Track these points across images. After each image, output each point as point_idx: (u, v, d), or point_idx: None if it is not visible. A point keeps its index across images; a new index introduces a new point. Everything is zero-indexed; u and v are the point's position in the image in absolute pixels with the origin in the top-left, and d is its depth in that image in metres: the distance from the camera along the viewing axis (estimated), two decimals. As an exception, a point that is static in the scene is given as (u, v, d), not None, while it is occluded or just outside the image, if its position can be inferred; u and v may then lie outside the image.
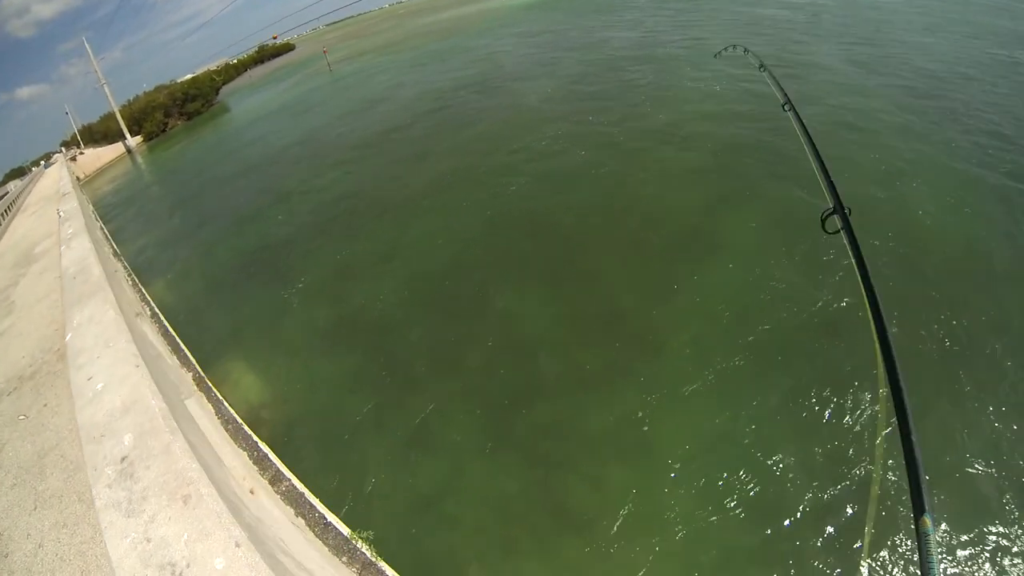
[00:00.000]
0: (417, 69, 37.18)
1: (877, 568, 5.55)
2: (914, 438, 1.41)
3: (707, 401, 7.75)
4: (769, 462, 6.83)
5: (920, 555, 1.06)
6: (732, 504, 6.47)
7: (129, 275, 17.82)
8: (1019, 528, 5.75)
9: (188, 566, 4.45)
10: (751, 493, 6.55)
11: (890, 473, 6.46)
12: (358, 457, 8.30)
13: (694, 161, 13.92)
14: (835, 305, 8.88)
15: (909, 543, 5.60)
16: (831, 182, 3.25)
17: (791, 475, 6.66)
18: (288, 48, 56.43)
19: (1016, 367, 7.50)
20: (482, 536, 6.77)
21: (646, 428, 7.59)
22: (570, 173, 14.81)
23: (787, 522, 6.19)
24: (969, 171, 11.82)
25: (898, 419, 1.50)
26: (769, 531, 6.14)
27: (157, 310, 14.33)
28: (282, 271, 14.71)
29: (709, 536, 6.20)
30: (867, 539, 5.85)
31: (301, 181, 21.90)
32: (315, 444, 8.90)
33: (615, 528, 6.43)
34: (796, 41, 23.36)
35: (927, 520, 1.15)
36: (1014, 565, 5.45)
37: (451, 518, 7.12)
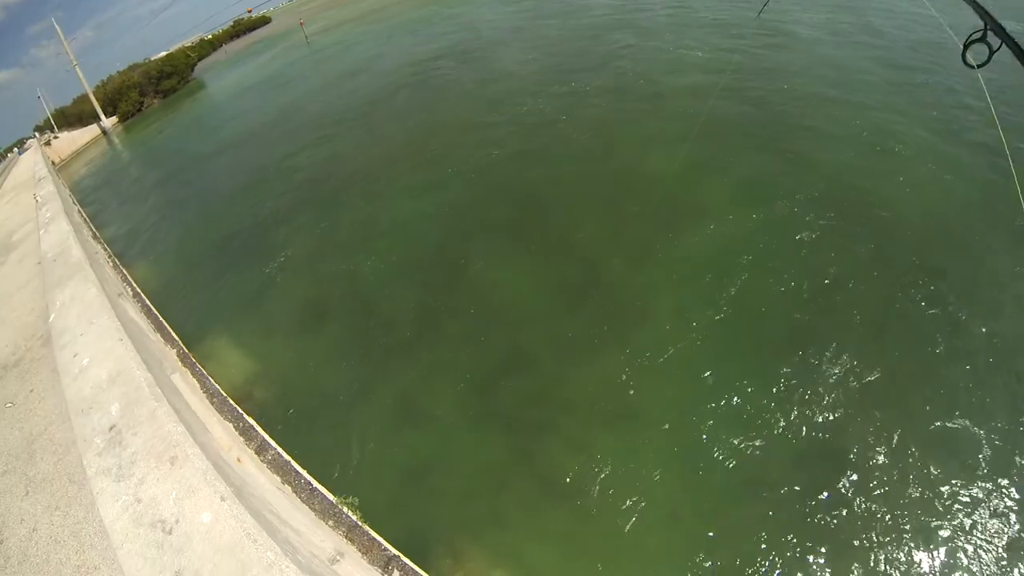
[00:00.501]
0: (396, 39, 36.68)
1: (863, 528, 5.83)
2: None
3: (689, 364, 7.97)
4: (751, 423, 7.07)
5: None
6: (716, 466, 6.69)
7: (110, 257, 17.80)
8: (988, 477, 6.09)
9: (177, 522, 4.71)
10: (735, 454, 6.80)
11: (873, 427, 6.75)
12: (343, 428, 8.46)
13: (674, 129, 14.02)
14: (812, 266, 9.14)
15: (901, 508, 5.85)
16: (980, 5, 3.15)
17: (774, 435, 6.91)
18: (264, 21, 55.24)
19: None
20: (468, 504, 6.92)
21: (630, 393, 7.78)
22: (550, 141, 14.86)
23: (770, 481, 6.44)
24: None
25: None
26: (752, 491, 6.36)
27: (139, 290, 14.40)
28: (264, 246, 14.80)
29: (693, 498, 6.40)
30: (853, 499, 6.10)
31: (281, 156, 21.77)
32: (300, 416, 9.07)
33: (599, 492, 6.62)
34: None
35: None
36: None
37: (437, 487, 7.28)
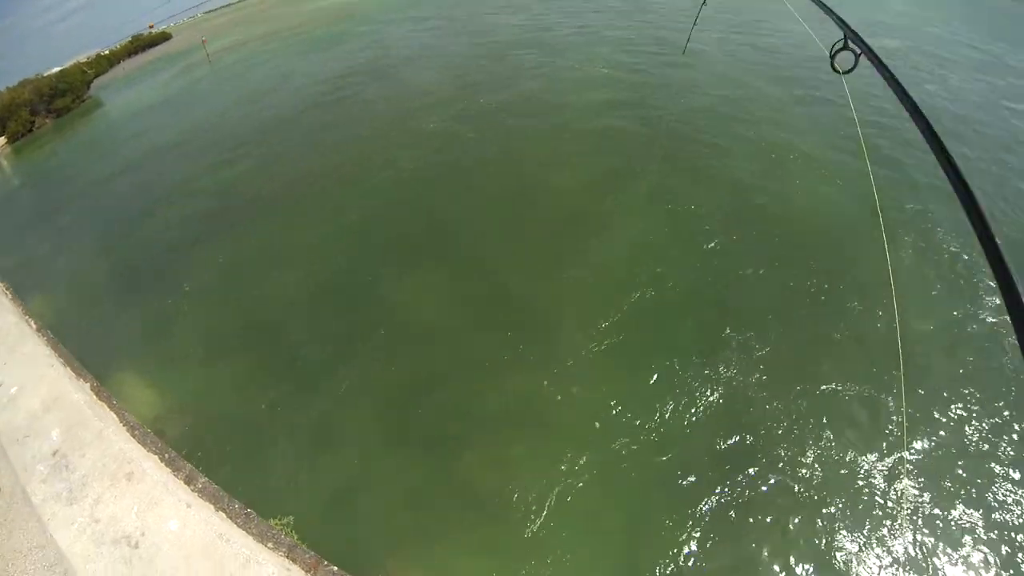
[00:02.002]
0: (305, 57, 36.05)
1: (773, 513, 6.45)
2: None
3: (598, 372, 8.38)
4: (660, 424, 7.60)
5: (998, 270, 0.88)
6: (629, 467, 7.10)
7: (7, 290, 16.56)
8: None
9: (143, 535, 4.73)
10: (646, 454, 7.26)
11: (777, 416, 7.48)
12: (263, 456, 8.23)
13: (579, 144, 14.78)
14: (714, 271, 10.01)
15: (823, 491, 6.51)
16: (839, 17, 3.42)
17: (684, 434, 7.48)
18: (165, 37, 52.52)
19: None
20: (394, 523, 6.94)
21: (542, 403, 8.05)
22: (458, 158, 15.11)
23: (689, 480, 6.96)
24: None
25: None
26: (666, 488, 6.82)
27: (40, 326, 13.55)
28: (167, 275, 14.10)
29: (610, 500, 6.73)
30: (759, 486, 6.73)
31: (183, 180, 20.84)
32: (217, 446, 8.82)
33: (519, 502, 6.83)
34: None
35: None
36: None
37: (362, 508, 7.24)
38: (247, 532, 4.93)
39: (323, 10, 52.64)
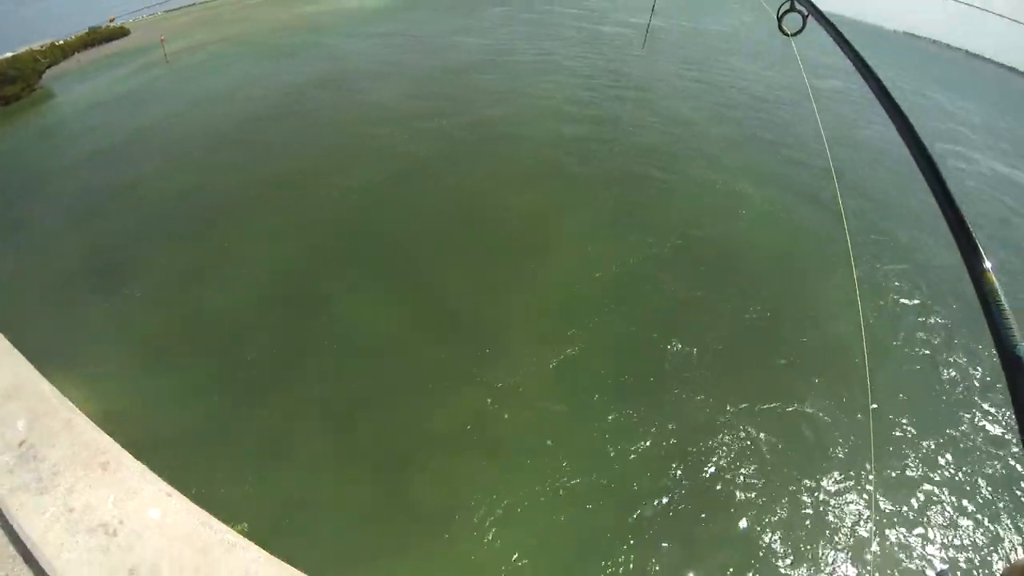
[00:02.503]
0: (263, 65, 35.81)
1: (725, 525, 6.79)
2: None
3: (546, 391, 8.72)
4: (608, 442, 7.93)
5: (992, 319, 0.78)
6: (577, 485, 7.37)
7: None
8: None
9: (121, 523, 4.68)
10: (594, 472, 7.54)
11: (723, 432, 7.90)
12: (204, 473, 8.20)
13: (533, 165, 15.31)
14: (661, 295, 10.52)
15: (785, 511, 6.87)
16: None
17: (632, 453, 7.82)
18: (123, 33, 51.03)
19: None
20: (342, 542, 7.02)
21: (490, 422, 8.30)
22: (413, 174, 15.36)
23: (634, 498, 7.25)
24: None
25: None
26: (618, 510, 7.10)
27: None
28: (113, 280, 13.87)
29: (557, 517, 6.98)
30: (708, 498, 7.08)
31: (133, 181, 20.38)
32: (160, 460, 8.67)
33: (467, 521, 6.99)
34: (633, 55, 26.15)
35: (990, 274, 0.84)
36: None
37: (309, 526, 7.30)
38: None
39: (285, 20, 52.50)
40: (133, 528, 4.58)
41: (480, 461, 7.75)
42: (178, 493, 4.82)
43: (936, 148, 22.67)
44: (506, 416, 8.41)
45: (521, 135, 17.58)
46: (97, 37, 46.85)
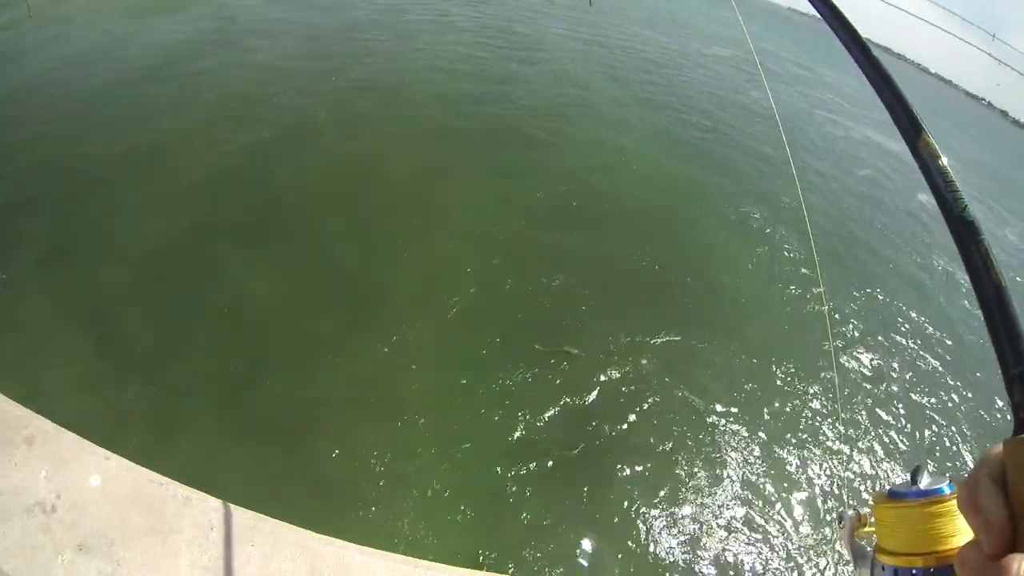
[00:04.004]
0: (144, 21, 32.34)
1: (630, 481, 7.18)
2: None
3: (439, 347, 8.75)
4: (509, 397, 8.00)
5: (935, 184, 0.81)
6: (483, 443, 7.40)
7: None
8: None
9: (58, 497, 4.38)
10: (500, 428, 7.59)
11: (619, 386, 8.32)
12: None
13: (421, 124, 15.15)
14: (552, 254, 10.90)
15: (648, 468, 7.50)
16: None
17: (534, 405, 8.00)
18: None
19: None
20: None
21: (386, 383, 8.11)
22: (300, 137, 14.42)
23: (539, 450, 7.38)
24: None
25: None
26: (518, 464, 7.27)
27: None
28: None
29: (463, 480, 6.86)
30: (615, 455, 7.42)
31: None
32: None
33: (373, 485, 6.87)
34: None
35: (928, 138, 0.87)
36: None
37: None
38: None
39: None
40: (74, 501, 4.33)
41: (378, 422, 7.67)
42: (117, 456, 4.61)
43: (816, 115, 25.07)
44: (400, 375, 8.35)
45: (411, 96, 17.18)
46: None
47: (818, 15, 1.34)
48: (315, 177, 12.84)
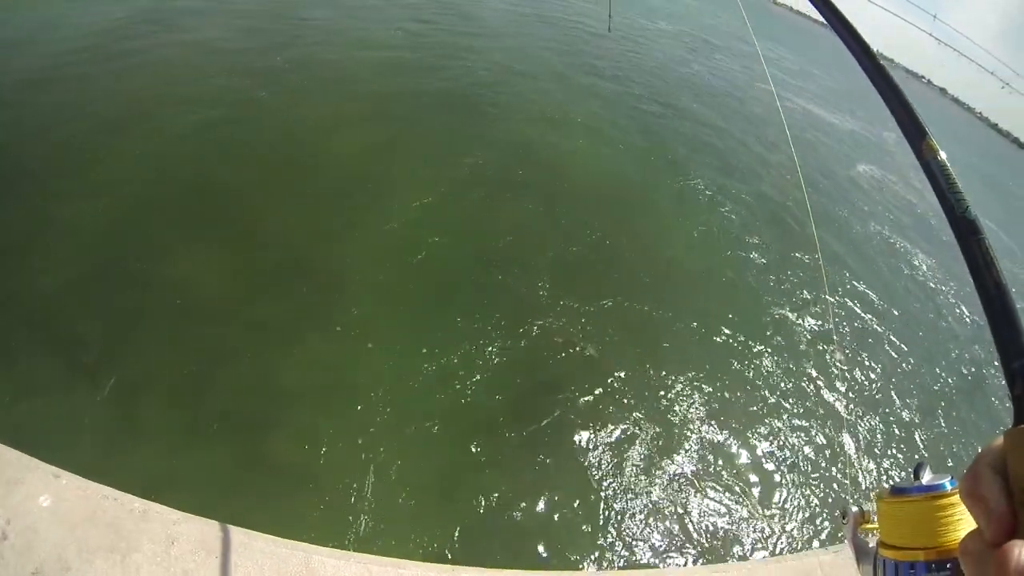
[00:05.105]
0: (71, 0, 30.35)
1: (589, 451, 7.36)
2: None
3: (395, 335, 8.73)
4: (463, 377, 8.05)
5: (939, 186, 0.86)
6: (440, 423, 7.40)
7: None
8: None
9: (8, 523, 4.23)
10: (455, 407, 7.60)
11: (572, 359, 8.49)
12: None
13: (364, 102, 14.77)
14: (500, 227, 10.94)
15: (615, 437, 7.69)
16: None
17: (488, 382, 8.07)
18: None
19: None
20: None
21: (340, 369, 8.08)
22: (239, 119, 13.85)
23: (495, 425, 7.45)
24: None
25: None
26: (476, 443, 7.19)
27: None
28: None
29: (422, 461, 6.91)
30: (572, 425, 7.59)
31: None
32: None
33: (331, 473, 6.83)
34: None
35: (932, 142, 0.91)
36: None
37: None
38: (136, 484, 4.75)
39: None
40: (25, 524, 4.20)
41: (336, 409, 7.63)
42: (67, 472, 4.49)
43: (756, 88, 25.47)
44: (353, 361, 8.29)
45: (352, 73, 16.61)
46: None
47: (830, 27, 1.43)
48: (259, 159, 12.38)
